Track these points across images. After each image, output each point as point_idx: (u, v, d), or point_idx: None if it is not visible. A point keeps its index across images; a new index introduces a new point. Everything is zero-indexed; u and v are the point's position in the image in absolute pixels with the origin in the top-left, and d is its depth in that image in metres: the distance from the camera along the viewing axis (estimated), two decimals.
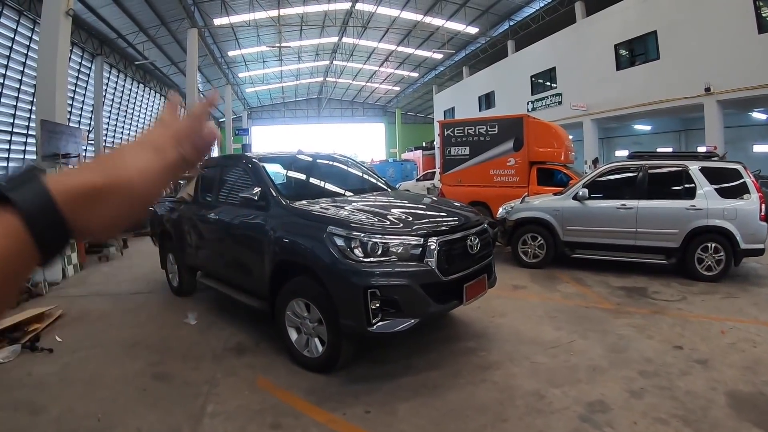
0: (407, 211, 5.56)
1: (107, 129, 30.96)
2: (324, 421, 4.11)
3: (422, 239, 4.72)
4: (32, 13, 19.80)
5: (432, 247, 4.72)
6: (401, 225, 4.89)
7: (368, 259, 4.52)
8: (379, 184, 7.20)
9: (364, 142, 64.23)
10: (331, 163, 7.60)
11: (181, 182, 19.19)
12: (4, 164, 20.39)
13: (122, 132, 34.25)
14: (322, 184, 6.84)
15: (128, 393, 4.69)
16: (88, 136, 24.08)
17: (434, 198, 7.35)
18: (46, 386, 4.91)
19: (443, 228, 5.06)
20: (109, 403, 4.47)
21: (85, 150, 21.09)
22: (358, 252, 4.54)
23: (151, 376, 5.07)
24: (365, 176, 7.40)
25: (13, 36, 19.62)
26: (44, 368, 5.37)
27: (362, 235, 4.58)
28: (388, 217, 5.09)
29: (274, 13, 30.16)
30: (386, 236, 4.64)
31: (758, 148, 25.20)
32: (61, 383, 4.97)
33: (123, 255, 12.94)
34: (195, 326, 6.66)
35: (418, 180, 30.84)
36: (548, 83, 29.53)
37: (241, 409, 4.31)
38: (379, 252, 4.55)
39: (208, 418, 4.19)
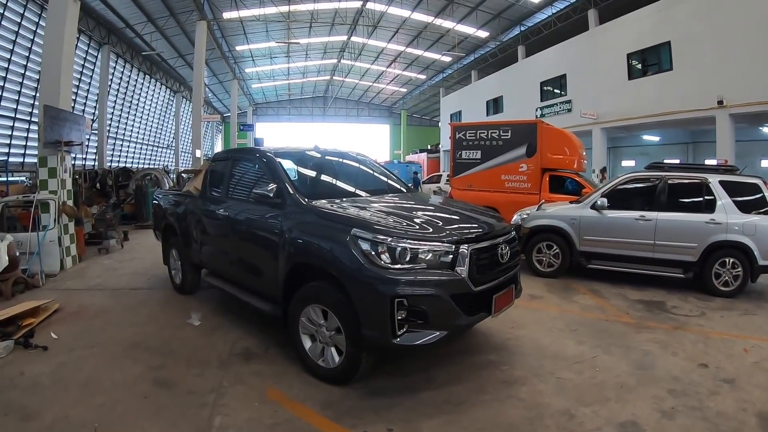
0: (434, 215, 5.26)
1: (111, 119, 30.82)
2: None
3: (453, 246, 4.43)
4: None
5: (464, 254, 4.43)
6: (431, 230, 4.58)
7: (396, 266, 4.22)
8: (397, 185, 6.88)
9: (368, 142, 64.32)
10: (348, 161, 7.29)
11: (185, 176, 19.04)
12: (6, 150, 20.11)
13: (126, 122, 34.03)
14: (339, 182, 6.52)
15: (128, 400, 4.39)
16: (91, 125, 23.85)
17: (458, 202, 7.04)
18: (39, 388, 4.62)
19: (474, 235, 4.75)
20: (107, 411, 4.18)
21: (89, 138, 20.88)
22: (385, 257, 4.23)
23: (152, 382, 4.77)
24: (383, 177, 7.08)
25: (19, 21, 19.41)
26: (38, 368, 5.09)
27: (390, 239, 4.27)
28: (415, 220, 4.79)
29: (284, 8, 30.03)
30: (415, 241, 4.33)
31: (766, 163, 25.06)
32: (55, 386, 4.68)
33: (123, 248, 12.73)
34: (199, 328, 6.38)
35: (423, 183, 30.62)
36: (558, 90, 29.28)
37: (251, 423, 4.01)
38: (408, 258, 4.25)
39: (215, 431, 3.90)
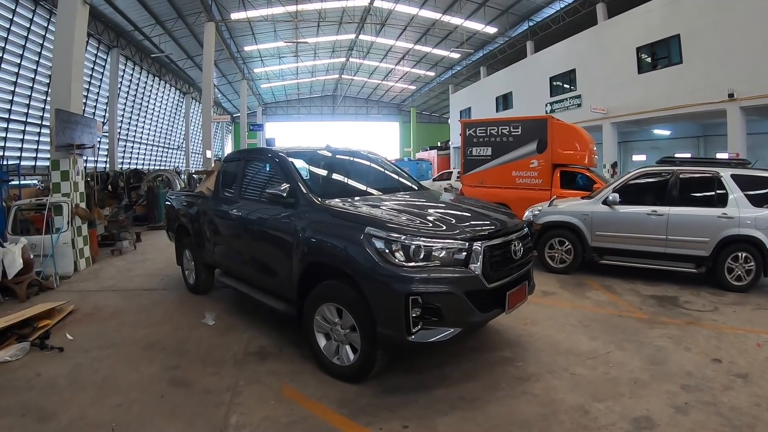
0: (447, 212, 5.25)
1: (122, 121, 31.02)
2: None
3: (467, 243, 4.43)
4: (48, 3, 19.74)
5: (477, 252, 4.43)
6: (444, 228, 4.58)
7: (410, 264, 4.23)
8: (409, 183, 6.90)
9: (378, 140, 64.32)
10: (360, 160, 7.29)
11: (196, 177, 19.07)
12: (18, 153, 20.24)
13: (137, 124, 34.22)
14: (351, 181, 6.54)
15: (144, 400, 4.43)
16: (102, 127, 24.00)
17: (470, 199, 7.01)
18: (56, 389, 4.66)
19: (487, 232, 4.75)
20: (123, 412, 4.21)
21: (100, 141, 21.00)
22: (399, 255, 4.25)
23: (168, 382, 4.81)
24: (395, 175, 7.09)
25: (29, 26, 19.53)
26: (54, 369, 5.13)
27: (404, 237, 4.28)
28: (428, 218, 4.79)
29: (292, 8, 29.97)
30: (429, 239, 4.33)
31: None
32: (72, 386, 4.72)
33: (136, 249, 12.79)
34: (213, 327, 6.41)
35: (434, 180, 30.57)
36: (567, 85, 29.19)
37: (267, 422, 4.03)
38: (422, 256, 4.26)
39: (232, 430, 3.92)
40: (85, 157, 11.24)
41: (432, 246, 4.31)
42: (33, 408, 4.28)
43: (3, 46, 18.44)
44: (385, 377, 4.79)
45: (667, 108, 21.32)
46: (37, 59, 20.31)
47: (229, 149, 58.20)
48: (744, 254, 8.11)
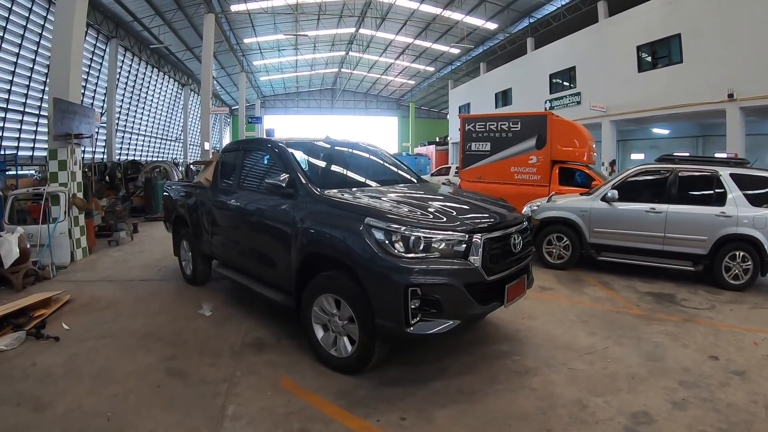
0: (446, 204, 5.21)
1: (120, 112, 30.98)
2: (357, 429, 3.84)
3: (467, 235, 4.41)
4: None
5: (477, 244, 4.41)
6: (444, 219, 4.56)
7: (409, 255, 4.20)
8: (408, 176, 6.88)
9: (376, 135, 64.15)
10: (359, 152, 7.26)
11: (194, 168, 19.00)
12: (15, 143, 20.19)
13: (135, 115, 34.16)
14: (351, 173, 6.49)
15: (140, 390, 4.40)
16: (101, 118, 23.98)
17: (470, 192, 6.98)
18: (51, 379, 4.63)
19: (487, 224, 4.73)
20: (119, 401, 4.19)
21: (98, 131, 20.99)
22: (398, 246, 4.22)
23: (165, 372, 4.79)
24: (394, 167, 7.06)
25: (27, 15, 19.48)
26: (50, 358, 5.11)
27: (403, 228, 4.26)
28: (428, 210, 4.76)
29: (292, 0, 29.90)
30: (429, 231, 4.31)
31: None
32: (67, 376, 4.70)
33: (133, 240, 12.78)
34: (210, 318, 6.39)
35: (432, 175, 30.56)
36: (567, 83, 29.13)
37: (264, 413, 4.02)
38: (421, 247, 4.24)
39: (228, 421, 3.90)
40: (82, 147, 11.21)
41: (432, 237, 4.28)
42: (28, 397, 4.26)
43: (1, 35, 18.39)
44: (384, 369, 4.78)
45: (667, 107, 21.26)
46: (35, 48, 20.28)
47: (227, 141, 58.14)
48: (741, 253, 8.12)
